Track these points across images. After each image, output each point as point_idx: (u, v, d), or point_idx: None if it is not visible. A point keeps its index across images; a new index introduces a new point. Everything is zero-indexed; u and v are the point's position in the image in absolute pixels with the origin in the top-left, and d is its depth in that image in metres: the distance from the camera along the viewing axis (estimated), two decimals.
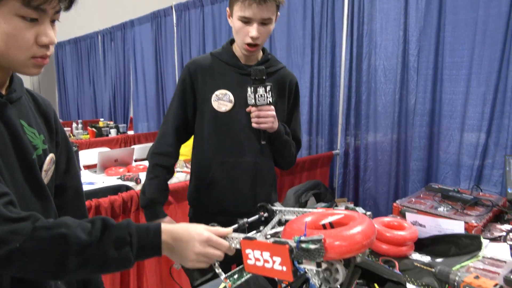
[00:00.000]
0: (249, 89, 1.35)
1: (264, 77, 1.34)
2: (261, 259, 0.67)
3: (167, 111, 1.51)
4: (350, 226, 0.66)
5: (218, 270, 0.75)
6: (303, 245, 0.62)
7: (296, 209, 0.89)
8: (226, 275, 0.75)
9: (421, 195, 1.98)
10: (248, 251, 0.69)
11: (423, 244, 1.44)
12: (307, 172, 2.77)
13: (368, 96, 2.85)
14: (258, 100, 1.35)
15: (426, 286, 1.23)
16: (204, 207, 1.51)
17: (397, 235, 1.37)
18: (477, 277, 0.92)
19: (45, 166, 0.85)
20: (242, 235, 0.72)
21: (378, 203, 2.83)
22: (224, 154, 1.45)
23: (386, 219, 1.49)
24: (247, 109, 1.41)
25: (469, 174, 2.30)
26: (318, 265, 0.62)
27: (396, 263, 1.33)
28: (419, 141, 2.52)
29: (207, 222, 0.79)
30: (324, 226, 0.73)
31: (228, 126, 1.44)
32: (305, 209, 0.86)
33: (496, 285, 0.88)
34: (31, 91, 0.91)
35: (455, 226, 1.38)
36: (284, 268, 0.64)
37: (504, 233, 1.52)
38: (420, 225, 1.47)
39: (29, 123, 0.83)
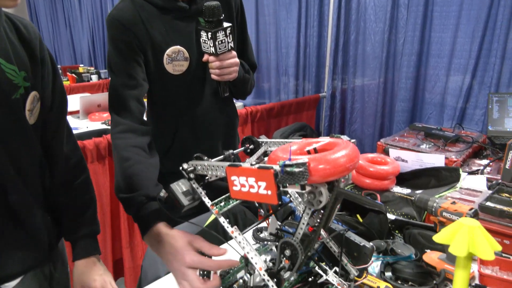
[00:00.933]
0: (204, 34, 1.06)
1: (221, 16, 1.05)
2: (247, 184, 0.68)
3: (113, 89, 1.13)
4: (334, 151, 0.66)
5: (205, 198, 0.76)
6: (288, 169, 0.62)
7: (281, 140, 0.89)
8: (212, 202, 0.76)
9: (405, 134, 2.02)
10: (233, 177, 0.70)
11: (404, 179, 1.49)
12: (294, 115, 2.77)
13: (356, 36, 2.78)
14: (219, 48, 1.08)
15: (405, 215, 1.30)
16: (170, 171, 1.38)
17: (380, 169, 1.41)
18: (453, 203, 0.96)
19: (28, 105, 0.79)
20: (227, 163, 0.73)
21: (364, 144, 2.89)
22: (187, 120, 1.27)
23: (370, 155, 1.52)
24: (204, 59, 1.14)
25: (452, 114, 2.33)
26: (302, 187, 0.63)
27: (378, 196, 1.39)
28: (406, 82, 2.51)
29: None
30: (308, 152, 0.74)
31: (188, 88, 1.22)
32: (290, 140, 0.87)
33: (471, 209, 0.93)
34: (13, 18, 0.81)
35: (436, 160, 1.42)
36: (269, 192, 0.65)
37: (482, 167, 1.59)
38: (403, 160, 1.51)
39: (8, 59, 0.75)
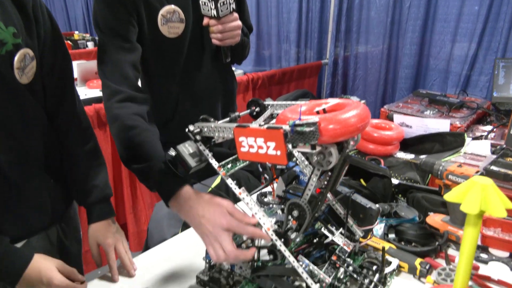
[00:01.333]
0: None
1: None
2: (255, 145, 0.67)
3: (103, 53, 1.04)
4: (345, 110, 0.65)
5: (212, 160, 0.75)
6: (298, 129, 0.61)
7: (288, 102, 0.87)
8: (219, 164, 0.76)
9: (409, 100, 2.00)
10: (241, 139, 0.69)
11: (407, 144, 1.49)
12: (295, 82, 2.73)
13: (361, 0, 2.69)
14: (221, 11, 1.03)
15: (409, 180, 1.30)
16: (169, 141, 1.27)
17: (384, 134, 1.40)
18: (460, 166, 0.96)
19: (16, 63, 0.74)
20: (234, 124, 0.71)
21: None
22: (185, 89, 1.22)
23: (375, 120, 1.51)
24: (204, 23, 1.09)
25: (456, 80, 2.30)
26: (313, 147, 0.63)
27: (382, 161, 1.39)
28: (410, 47, 2.46)
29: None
30: (317, 113, 0.72)
31: (185, 54, 1.15)
32: (297, 102, 0.85)
33: (477, 172, 0.93)
34: None
35: (441, 125, 1.41)
36: (279, 153, 0.65)
37: (485, 133, 1.58)
38: (407, 126, 1.50)
39: None
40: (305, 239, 0.94)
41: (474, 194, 0.54)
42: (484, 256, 0.97)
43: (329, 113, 0.65)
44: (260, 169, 1.25)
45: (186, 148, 0.75)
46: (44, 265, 0.76)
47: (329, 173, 0.80)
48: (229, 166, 0.78)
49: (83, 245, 1.05)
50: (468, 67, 2.23)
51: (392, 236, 1.04)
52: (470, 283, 0.89)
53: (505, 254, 0.98)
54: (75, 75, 2.80)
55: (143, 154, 0.87)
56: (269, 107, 0.89)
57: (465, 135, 1.36)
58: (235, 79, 1.41)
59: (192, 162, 0.74)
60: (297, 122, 0.62)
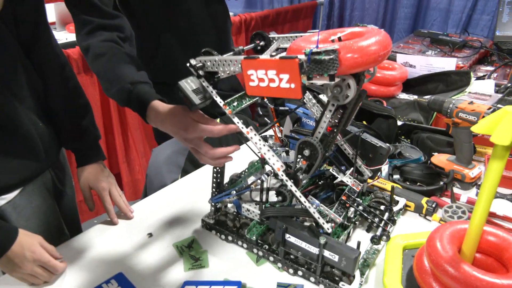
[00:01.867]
0: None
1: None
2: (266, 79, 0.61)
3: None
4: (365, 37, 0.59)
5: (217, 98, 0.69)
6: (316, 57, 0.55)
7: (297, 33, 0.80)
8: (225, 102, 0.70)
9: (409, 41, 1.92)
10: (250, 72, 0.63)
11: (410, 85, 1.44)
12: (289, 24, 2.60)
13: None
14: None
15: (412, 121, 1.27)
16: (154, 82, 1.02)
17: (387, 75, 1.35)
18: (471, 103, 0.92)
19: None
20: (241, 56, 0.65)
21: None
22: (171, 25, 1.15)
23: None
24: None
25: (458, 19, 2.21)
26: (331, 78, 0.57)
27: (384, 102, 1.34)
28: None
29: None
30: (333, 42, 0.66)
31: None
32: (307, 33, 0.78)
33: (489, 108, 0.89)
34: None
35: (446, 64, 1.36)
36: (293, 85, 0.59)
37: (488, 73, 1.54)
38: (411, 66, 1.44)
39: None
40: (311, 181, 0.92)
41: (507, 124, 0.51)
42: None
43: (348, 41, 0.58)
44: (260, 112, 1.20)
45: (189, 84, 0.68)
46: (26, 240, 0.72)
47: (341, 110, 0.76)
48: (235, 104, 0.72)
49: (77, 194, 1.01)
50: (470, 5, 2.13)
51: (396, 176, 1.02)
52: None
53: (509, 191, 0.98)
54: (54, 18, 2.60)
55: (114, 79, 0.81)
56: (275, 40, 0.82)
57: (471, 73, 1.32)
58: (227, 13, 1.30)
59: (196, 99, 0.68)
60: (315, 50, 0.56)
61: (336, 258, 0.66)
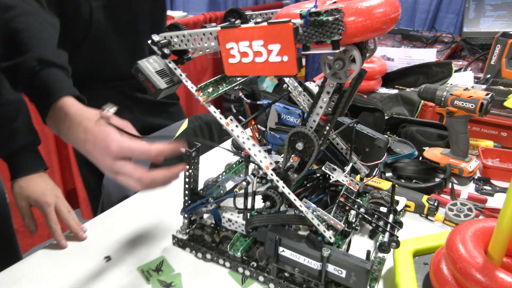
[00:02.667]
0: None
1: None
2: (250, 52, 0.49)
3: None
4: None
5: (188, 82, 0.56)
6: (316, 18, 0.43)
7: (278, 9, 0.68)
8: (197, 87, 0.57)
9: (380, 37, 1.87)
10: (230, 45, 0.50)
11: (389, 79, 1.37)
12: None
13: None
14: None
15: (397, 115, 1.19)
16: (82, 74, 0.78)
17: (366, 67, 1.26)
18: (466, 89, 0.85)
19: None
20: (218, 27, 0.52)
21: None
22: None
23: None
24: None
25: (424, 18, 2.21)
26: (335, 45, 0.45)
27: (365, 97, 1.26)
28: None
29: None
30: None
31: None
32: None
33: (487, 94, 0.82)
34: None
35: (427, 55, 1.30)
36: (285, 58, 0.47)
37: (463, 67, 1.50)
38: (389, 59, 1.37)
39: None
40: (298, 183, 0.80)
41: None
42: (488, 188, 0.89)
43: (351, 0, 0.47)
44: (234, 109, 1.06)
45: (151, 65, 0.54)
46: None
47: (335, 96, 0.64)
48: (210, 90, 0.59)
49: (13, 213, 0.82)
50: (436, 3, 2.14)
51: (389, 174, 0.92)
52: (480, 216, 0.81)
53: (508, 184, 0.91)
54: None
55: (15, 47, 0.58)
56: (253, 17, 0.69)
57: (452, 64, 1.26)
58: (165, 11, 1.10)
59: (161, 83, 0.54)
60: (314, 10, 0.44)
61: (343, 273, 0.54)
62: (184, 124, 1.07)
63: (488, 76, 1.28)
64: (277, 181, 0.56)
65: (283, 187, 0.57)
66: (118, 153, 0.51)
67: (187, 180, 0.64)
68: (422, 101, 1.14)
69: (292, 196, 0.57)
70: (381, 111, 1.02)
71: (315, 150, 0.58)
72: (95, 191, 1.00)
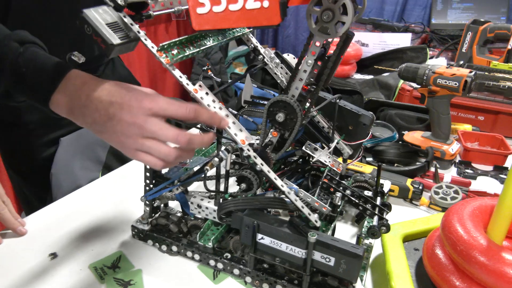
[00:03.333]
0: None
1: None
2: None
3: None
4: None
5: (147, 41, 0.47)
6: None
7: None
8: (159, 47, 0.47)
9: (352, 27, 1.84)
10: None
11: (363, 65, 1.33)
12: None
13: None
14: None
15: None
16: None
17: None
18: (449, 67, 0.81)
19: None
20: None
21: (298, 51, 2.68)
22: None
23: None
24: None
25: (392, 10, 2.21)
26: None
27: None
28: None
29: None
30: None
31: None
32: None
33: (471, 71, 0.78)
34: None
35: (401, 40, 1.27)
36: (266, 3, 0.39)
37: (435, 55, 1.49)
38: (363, 44, 1.33)
39: None
40: (275, 166, 0.72)
41: None
42: (469, 171, 0.86)
43: None
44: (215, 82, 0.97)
45: (100, 15, 0.44)
46: None
47: (318, 63, 0.57)
48: (175, 52, 0.49)
49: None
50: None
51: (369, 159, 0.87)
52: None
53: (489, 168, 0.88)
54: None
55: None
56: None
57: (427, 49, 1.24)
58: None
59: (113, 37, 0.44)
60: None
61: (331, 261, 0.47)
62: None
63: (461, 62, 1.26)
64: (255, 158, 0.48)
65: (262, 165, 0.49)
66: (151, 107, 0.42)
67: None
68: (400, 85, 1.10)
69: (272, 175, 0.49)
70: (359, 93, 0.97)
71: (298, 122, 0.50)
72: (21, 188, 0.88)
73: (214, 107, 0.48)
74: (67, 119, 0.46)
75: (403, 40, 1.27)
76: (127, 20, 0.47)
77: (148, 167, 0.55)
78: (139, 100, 0.43)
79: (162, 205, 0.61)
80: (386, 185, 0.72)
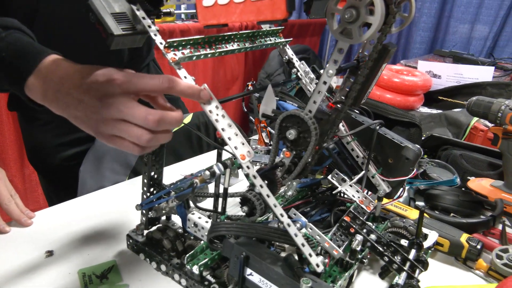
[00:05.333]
0: None
1: None
2: None
3: None
4: None
5: (157, 36, 0.43)
6: None
7: None
8: (167, 42, 0.44)
9: (429, 59, 1.69)
10: None
11: (433, 99, 1.18)
12: (295, 39, 2.39)
13: None
14: None
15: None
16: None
17: (406, 80, 1.09)
18: None
19: None
20: None
21: None
22: None
23: (394, 66, 1.19)
24: None
25: (481, 45, 2.00)
26: None
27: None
28: (430, 5, 2.13)
29: None
30: None
31: None
32: None
33: None
34: None
35: (482, 73, 1.10)
36: None
37: None
38: (435, 75, 1.19)
39: None
40: (301, 194, 0.64)
41: None
42: None
43: None
44: (244, 109, 0.93)
45: (108, 4, 0.42)
46: None
47: (351, 80, 0.49)
48: (187, 51, 0.45)
49: None
50: (496, 31, 1.92)
51: (421, 203, 0.74)
52: None
53: None
54: None
55: None
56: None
57: None
58: None
59: (114, 28, 0.41)
60: None
61: None
62: (187, 118, 0.95)
63: None
64: (254, 177, 0.41)
65: (261, 187, 0.41)
66: (121, 83, 0.39)
67: (145, 159, 0.50)
68: (472, 123, 0.95)
69: (271, 200, 0.41)
70: (418, 126, 0.84)
71: (312, 142, 0.42)
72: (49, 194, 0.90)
73: (217, 114, 0.43)
74: None
75: (484, 74, 1.11)
76: (140, 13, 0.44)
77: (145, 172, 0.50)
78: (107, 76, 0.39)
79: (164, 217, 0.57)
80: (432, 236, 0.59)
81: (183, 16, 2.18)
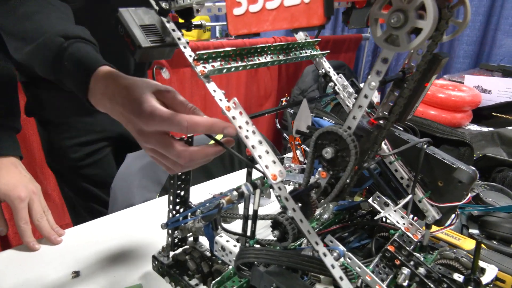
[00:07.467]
0: None
1: None
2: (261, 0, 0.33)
3: None
4: None
5: (186, 49, 0.41)
6: None
7: None
8: (196, 54, 0.42)
9: (475, 73, 1.58)
10: None
11: (482, 116, 1.09)
12: (330, 55, 2.35)
13: None
14: None
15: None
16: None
17: (453, 96, 1.02)
18: None
19: None
20: None
21: None
22: None
23: (438, 81, 1.12)
24: None
25: None
26: None
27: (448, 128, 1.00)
28: (474, 18, 2.03)
29: None
30: None
31: None
32: None
33: None
34: None
35: None
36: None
37: None
38: (484, 90, 1.10)
39: None
40: (337, 217, 0.59)
41: None
42: None
43: None
44: (278, 125, 0.89)
45: (137, 15, 0.41)
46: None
47: (395, 93, 0.45)
48: (216, 64, 0.43)
49: None
50: None
51: (475, 231, 0.66)
52: None
53: None
54: None
55: (32, 31, 0.52)
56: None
57: None
58: None
59: (142, 40, 0.40)
60: None
61: None
62: (219, 135, 0.93)
63: None
64: (286, 200, 0.37)
65: (294, 210, 0.37)
66: (147, 129, 0.42)
67: (171, 181, 0.48)
68: None
69: (305, 226, 0.37)
70: (469, 145, 0.77)
71: (351, 162, 0.38)
72: (70, 199, 0.91)
73: (247, 130, 0.40)
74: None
75: None
76: (170, 25, 0.43)
77: (171, 190, 0.48)
78: (132, 120, 0.42)
79: (192, 238, 0.54)
80: (490, 271, 0.52)
81: (217, 34, 2.21)
